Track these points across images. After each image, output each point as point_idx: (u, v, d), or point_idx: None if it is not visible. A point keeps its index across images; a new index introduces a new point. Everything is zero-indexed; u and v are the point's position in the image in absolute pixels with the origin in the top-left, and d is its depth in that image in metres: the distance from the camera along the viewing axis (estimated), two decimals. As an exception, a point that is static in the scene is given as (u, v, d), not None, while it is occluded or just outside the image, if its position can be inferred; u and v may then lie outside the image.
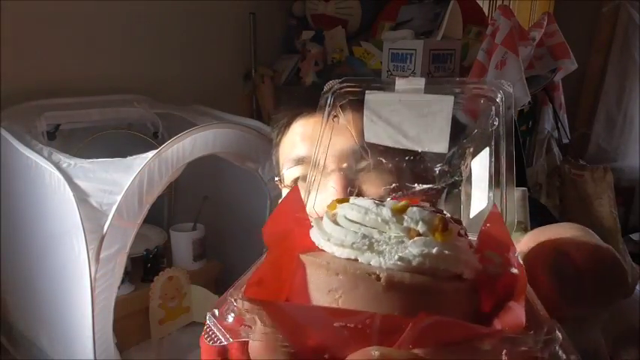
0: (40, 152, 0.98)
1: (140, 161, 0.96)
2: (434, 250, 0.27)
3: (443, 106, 0.37)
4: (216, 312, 0.27)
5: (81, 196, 0.91)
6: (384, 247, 0.28)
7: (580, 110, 2.34)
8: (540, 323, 0.25)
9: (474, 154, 0.38)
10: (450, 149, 0.38)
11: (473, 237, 0.33)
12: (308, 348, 0.25)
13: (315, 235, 0.31)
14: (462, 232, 0.31)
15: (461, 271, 0.28)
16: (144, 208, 0.96)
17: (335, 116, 0.40)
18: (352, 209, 0.31)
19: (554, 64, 1.56)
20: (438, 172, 0.40)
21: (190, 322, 1.30)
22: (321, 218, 0.32)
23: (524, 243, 0.35)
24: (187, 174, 1.09)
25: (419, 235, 0.28)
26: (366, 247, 0.28)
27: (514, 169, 0.34)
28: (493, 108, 0.36)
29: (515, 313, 0.25)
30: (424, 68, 1.48)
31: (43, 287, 1.05)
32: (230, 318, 0.26)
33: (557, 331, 0.24)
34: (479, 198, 0.36)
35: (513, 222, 0.34)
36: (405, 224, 0.29)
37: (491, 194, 0.35)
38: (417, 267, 0.27)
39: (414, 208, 0.30)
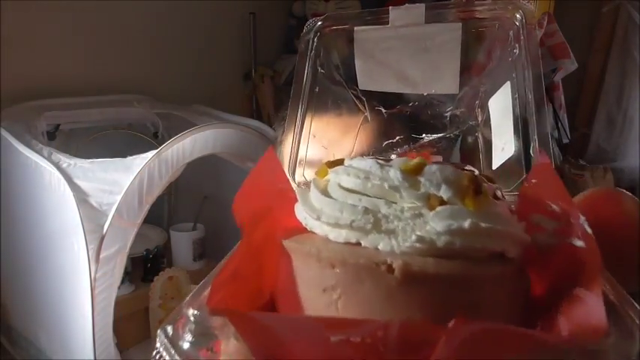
0: (40, 152, 0.98)
1: (140, 161, 0.96)
2: (466, 224, 0.19)
3: (449, 36, 0.29)
4: (169, 329, 0.19)
5: (81, 196, 0.91)
6: (395, 223, 0.20)
7: (580, 110, 2.34)
8: (628, 324, 0.18)
9: (492, 93, 0.30)
10: (461, 89, 0.30)
11: (509, 197, 0.25)
12: None
13: (300, 213, 0.23)
14: (499, 192, 0.24)
15: (503, 249, 0.20)
16: (144, 208, 0.96)
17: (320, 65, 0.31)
18: (348, 174, 0.22)
19: (554, 64, 1.55)
20: (448, 117, 0.32)
21: (190, 322, 1.30)
22: (309, 187, 0.24)
23: (583, 202, 0.25)
24: (187, 174, 1.09)
25: (442, 203, 0.20)
26: (370, 226, 0.20)
27: (546, 104, 0.26)
28: (511, 33, 0.28)
29: (590, 308, 0.17)
30: (424, 68, 1.48)
31: (43, 287, 1.05)
32: (187, 339, 0.19)
33: None
34: (502, 144, 0.28)
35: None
36: (422, 190, 0.21)
37: (518, 141, 0.27)
38: (443, 249, 0.19)
39: (433, 166, 0.21)
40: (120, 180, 0.94)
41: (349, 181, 0.22)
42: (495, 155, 0.29)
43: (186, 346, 0.19)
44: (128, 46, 1.48)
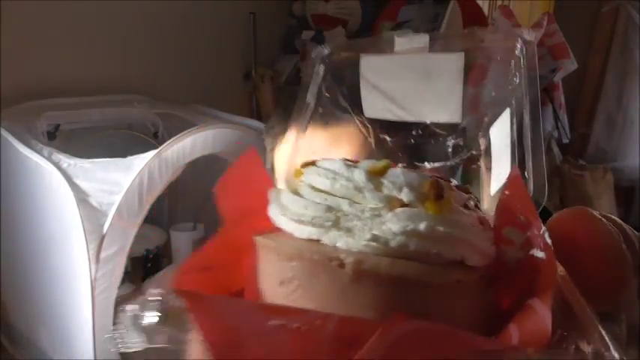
0: (40, 152, 0.98)
1: (140, 161, 0.96)
2: (421, 227, 0.20)
3: (453, 65, 0.30)
4: (129, 307, 0.20)
5: (81, 196, 0.91)
6: (354, 222, 0.21)
7: (580, 110, 2.34)
8: (582, 329, 0.18)
9: (493, 121, 0.30)
10: (463, 118, 0.31)
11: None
12: (232, 354, 0.18)
13: (272, 210, 0.24)
14: (471, 203, 0.24)
15: (461, 257, 0.20)
16: (144, 208, 0.96)
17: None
18: (319, 174, 0.23)
19: (554, 64, 1.56)
20: (451, 146, 0.33)
21: (190, 322, 1.30)
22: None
23: (556, 220, 0.26)
24: (187, 174, 1.09)
25: (403, 205, 0.21)
26: (330, 224, 0.21)
27: (541, 130, 0.27)
28: (512, 62, 0.29)
29: (538, 317, 0.18)
30: (424, 68, 1.48)
31: (43, 287, 1.05)
32: (148, 317, 0.20)
33: (609, 345, 0.17)
34: (501, 171, 0.29)
35: (544, 192, 0.26)
36: (384, 191, 0.21)
37: (514, 164, 0.28)
38: (397, 250, 0.19)
39: (397, 170, 0.22)
40: (120, 180, 0.94)
41: (319, 182, 0.22)
42: (493, 181, 0.30)
43: (146, 321, 0.19)
44: (128, 46, 1.48)
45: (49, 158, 0.96)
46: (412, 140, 0.33)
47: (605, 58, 2.28)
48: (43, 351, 1.10)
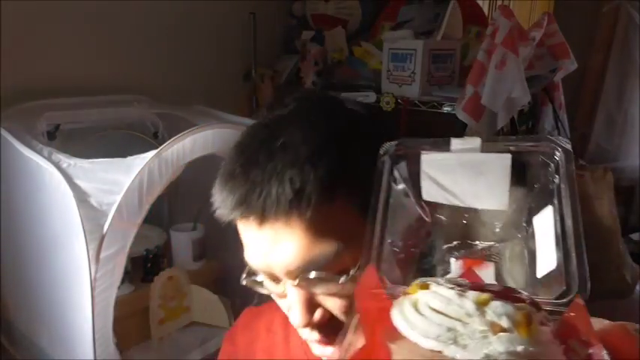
0: (40, 152, 0.98)
1: (140, 161, 0.96)
2: (519, 349, 0.27)
3: (500, 164, 0.37)
4: None
5: (81, 196, 0.91)
6: (468, 341, 0.28)
7: (580, 110, 2.34)
8: None
9: (535, 211, 0.38)
10: (509, 205, 0.37)
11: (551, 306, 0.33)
12: None
13: (398, 321, 0.32)
14: (545, 319, 0.31)
15: None
16: (144, 208, 0.96)
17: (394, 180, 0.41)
18: (435, 298, 0.31)
19: (554, 64, 1.55)
20: (498, 229, 0.40)
21: (190, 322, 1.30)
22: (405, 297, 0.33)
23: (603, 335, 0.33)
24: (187, 174, 1.09)
25: (503, 330, 0.28)
26: (451, 341, 0.28)
27: (581, 230, 0.34)
28: (552, 165, 0.36)
29: None
30: (424, 68, 1.48)
31: (43, 287, 1.05)
32: None
33: None
34: (545, 258, 0.36)
35: (586, 286, 0.33)
36: (488, 318, 0.29)
37: (559, 255, 0.35)
38: None
39: (497, 302, 0.30)
40: (120, 180, 0.94)
41: (435, 303, 0.31)
42: (539, 267, 0.36)
43: None
44: (128, 46, 1.49)
45: (49, 158, 0.96)
46: (465, 221, 0.40)
47: (605, 58, 2.28)
48: (43, 351, 1.10)
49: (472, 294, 0.31)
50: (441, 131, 1.68)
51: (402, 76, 1.52)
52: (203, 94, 1.61)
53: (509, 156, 0.36)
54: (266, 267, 0.48)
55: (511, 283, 0.37)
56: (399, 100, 1.49)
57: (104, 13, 1.41)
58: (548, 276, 0.35)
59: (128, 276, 1.17)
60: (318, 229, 0.44)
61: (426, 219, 0.42)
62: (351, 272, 0.45)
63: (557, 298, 0.33)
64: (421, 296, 0.32)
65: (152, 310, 1.21)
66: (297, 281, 0.45)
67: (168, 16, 1.56)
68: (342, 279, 0.45)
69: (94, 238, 0.90)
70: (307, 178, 0.43)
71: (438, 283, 0.33)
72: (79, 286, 0.92)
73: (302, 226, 0.44)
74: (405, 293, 0.34)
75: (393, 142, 0.41)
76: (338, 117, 0.50)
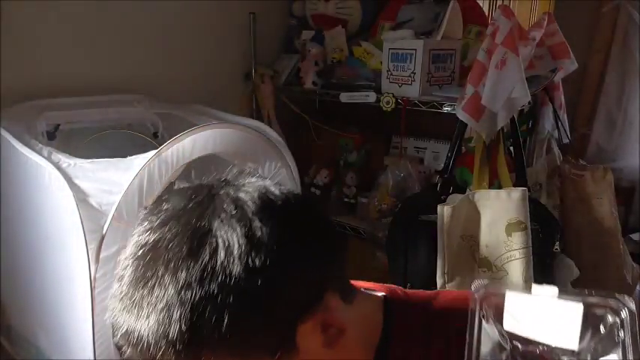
0: (40, 152, 0.98)
1: (140, 161, 0.96)
2: None
3: (573, 311, 0.43)
4: None
5: (81, 196, 0.91)
6: None
7: (580, 110, 2.34)
8: None
9: (601, 354, 0.44)
10: (578, 346, 0.43)
11: None
12: None
13: None
14: None
15: None
16: (144, 208, 0.96)
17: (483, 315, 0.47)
18: None
19: (554, 64, 1.55)
20: (567, 356, 0.45)
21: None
22: None
23: None
24: (187, 174, 1.09)
25: None
26: None
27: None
28: (618, 320, 0.43)
29: None
30: (424, 68, 1.48)
31: (43, 287, 1.05)
32: None
33: None
34: None
35: None
36: None
37: None
38: None
39: None
40: (120, 180, 0.94)
41: None
42: None
43: None
44: (128, 46, 1.48)
45: (48, 158, 0.96)
46: (537, 351, 0.45)
47: (605, 58, 2.27)
48: (43, 351, 1.10)
49: None
50: (441, 131, 1.68)
51: (402, 76, 1.52)
52: (203, 94, 1.61)
53: (581, 305, 0.43)
54: None
55: None
56: (399, 100, 1.49)
57: (104, 14, 1.41)
58: None
59: (128, 276, 1.16)
60: None
61: (505, 346, 0.48)
62: None
63: None
64: None
65: (152, 310, 1.21)
66: None
67: (168, 16, 1.56)
68: None
69: (93, 238, 0.90)
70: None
71: None
72: (79, 286, 0.92)
73: None
74: None
75: (483, 283, 0.48)
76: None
